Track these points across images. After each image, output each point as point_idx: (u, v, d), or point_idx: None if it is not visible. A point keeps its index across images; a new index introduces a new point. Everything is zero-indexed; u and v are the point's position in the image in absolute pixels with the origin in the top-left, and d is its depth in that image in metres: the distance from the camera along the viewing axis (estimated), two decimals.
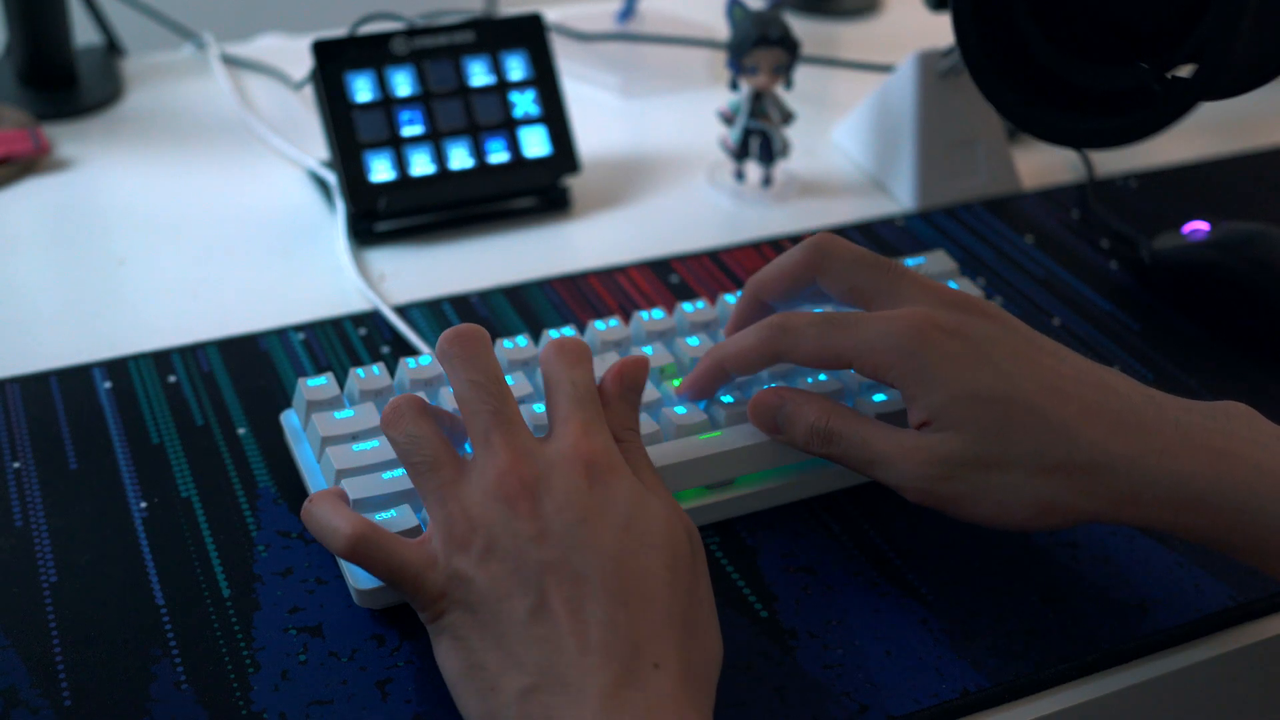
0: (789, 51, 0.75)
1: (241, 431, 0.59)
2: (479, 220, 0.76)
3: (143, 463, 0.57)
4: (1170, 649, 0.51)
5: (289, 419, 0.57)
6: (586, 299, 0.69)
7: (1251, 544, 0.47)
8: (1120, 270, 0.74)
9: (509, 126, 0.75)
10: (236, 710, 0.46)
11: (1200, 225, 0.71)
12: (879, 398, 0.56)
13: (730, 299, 0.61)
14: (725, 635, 0.47)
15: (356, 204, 0.72)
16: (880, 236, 0.76)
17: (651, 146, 0.86)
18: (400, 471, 0.51)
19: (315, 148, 0.81)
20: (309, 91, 0.88)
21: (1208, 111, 0.79)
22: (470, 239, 0.75)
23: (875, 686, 0.48)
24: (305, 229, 0.75)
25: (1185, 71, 0.60)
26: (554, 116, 0.76)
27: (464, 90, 0.74)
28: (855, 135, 0.84)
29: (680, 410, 0.55)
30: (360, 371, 0.55)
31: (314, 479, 0.54)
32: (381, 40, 0.73)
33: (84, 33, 0.91)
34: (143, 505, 0.55)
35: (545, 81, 0.76)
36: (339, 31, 0.81)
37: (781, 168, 0.81)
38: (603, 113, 0.90)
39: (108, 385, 0.61)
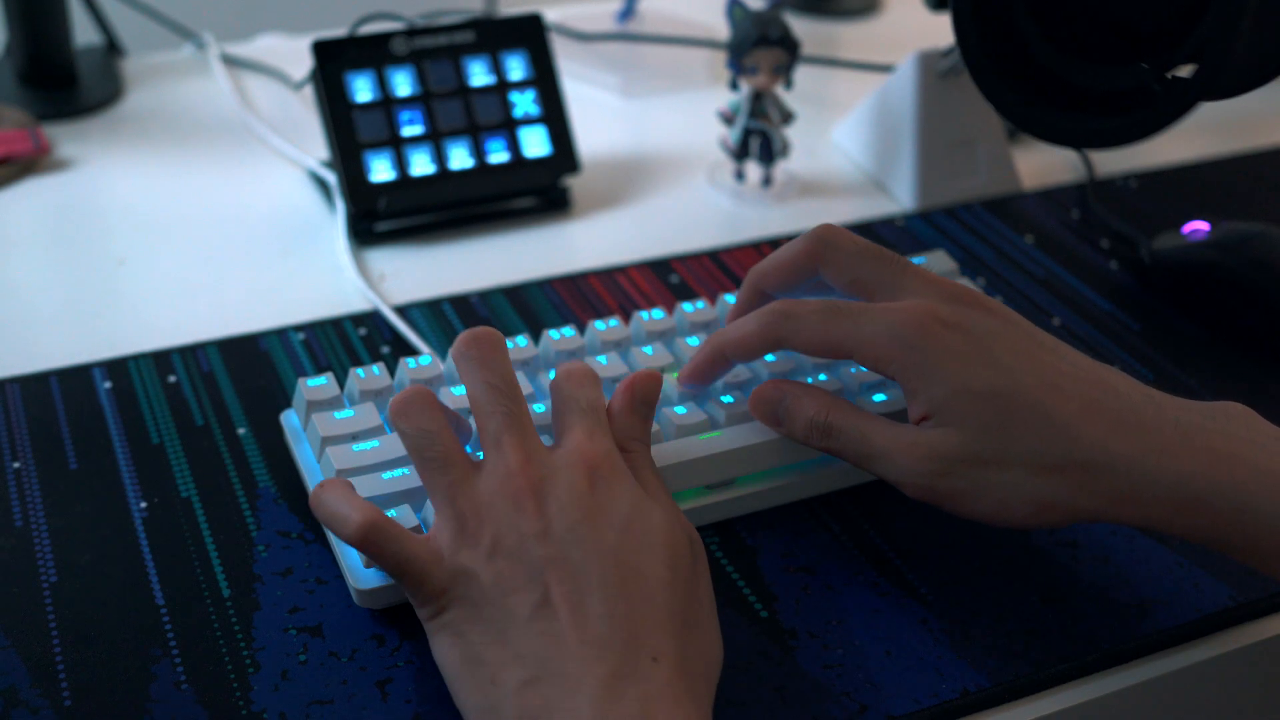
0: (789, 51, 0.75)
1: (241, 431, 0.59)
2: (479, 220, 0.76)
3: (143, 463, 0.57)
4: (1170, 649, 0.51)
5: (289, 419, 0.57)
6: (586, 299, 0.69)
7: (1249, 544, 0.47)
8: (1120, 270, 0.74)
9: (509, 126, 0.75)
10: (236, 710, 0.46)
11: (1200, 225, 0.71)
12: (879, 398, 0.56)
13: (730, 299, 0.61)
14: (725, 635, 0.48)
15: (356, 204, 0.72)
16: (880, 236, 0.76)
17: (651, 146, 0.86)
18: (400, 472, 0.51)
19: (315, 148, 0.81)
20: (309, 91, 0.88)
21: (1208, 111, 0.79)
22: (470, 239, 0.75)
23: (875, 686, 0.48)
24: (305, 229, 0.75)
25: (1185, 71, 0.60)
26: (554, 116, 0.76)
27: (464, 90, 0.74)
28: (855, 135, 0.84)
29: (680, 410, 0.55)
30: (360, 371, 0.55)
31: (314, 479, 0.54)
32: (381, 40, 0.73)
33: (84, 33, 0.91)
34: (143, 505, 0.55)
35: (545, 81, 0.76)
36: (339, 31, 0.81)
37: (781, 168, 0.81)
38: (603, 113, 0.90)
39: (108, 385, 0.61)
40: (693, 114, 0.89)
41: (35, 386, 0.61)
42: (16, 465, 0.56)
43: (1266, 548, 0.46)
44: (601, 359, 0.57)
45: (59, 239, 0.74)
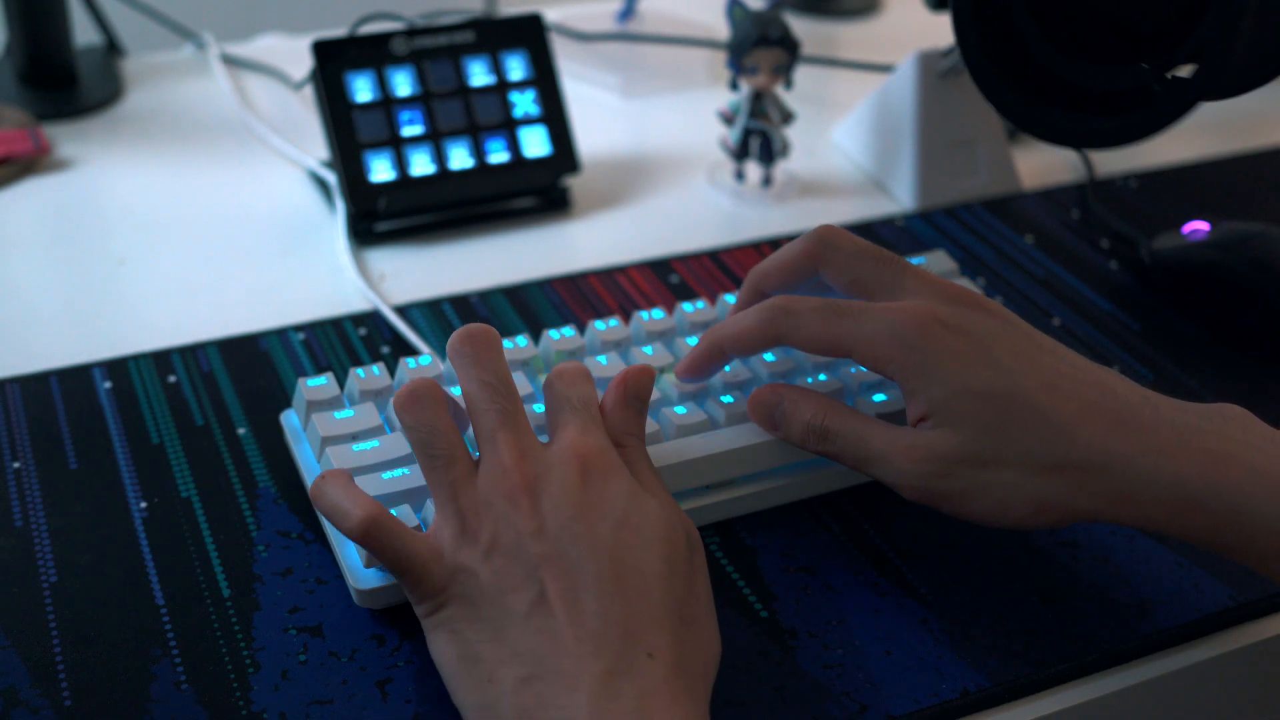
0: (789, 51, 0.75)
1: (241, 431, 0.59)
2: (479, 220, 0.76)
3: (143, 463, 0.57)
4: (1170, 649, 0.51)
5: (289, 419, 0.57)
6: (586, 299, 0.69)
7: (1246, 545, 0.47)
8: (1120, 270, 0.74)
9: (509, 126, 0.75)
10: (236, 710, 0.46)
11: (1200, 225, 0.71)
12: (879, 397, 0.56)
13: (730, 299, 0.61)
14: (725, 635, 0.48)
15: (356, 204, 0.72)
16: (880, 236, 0.76)
17: (651, 146, 0.86)
18: (400, 471, 0.51)
19: (315, 148, 0.81)
20: (309, 91, 0.88)
21: (1208, 111, 0.79)
22: (470, 239, 0.75)
23: (875, 686, 0.48)
24: (305, 229, 0.75)
25: (1185, 71, 0.60)
26: (554, 116, 0.76)
27: (464, 90, 0.74)
28: (855, 135, 0.84)
29: (680, 410, 0.55)
30: (360, 371, 0.55)
31: (314, 479, 0.54)
32: (381, 40, 0.73)
33: (84, 33, 0.91)
34: (143, 505, 0.55)
35: (545, 81, 0.76)
36: (339, 31, 0.81)
37: (781, 168, 0.81)
38: (603, 113, 0.90)
39: (108, 385, 0.61)
40: (693, 114, 0.89)
41: (35, 386, 0.61)
42: (16, 465, 0.56)
43: (1263, 549, 0.47)
44: (601, 359, 0.57)
45: (59, 239, 0.74)
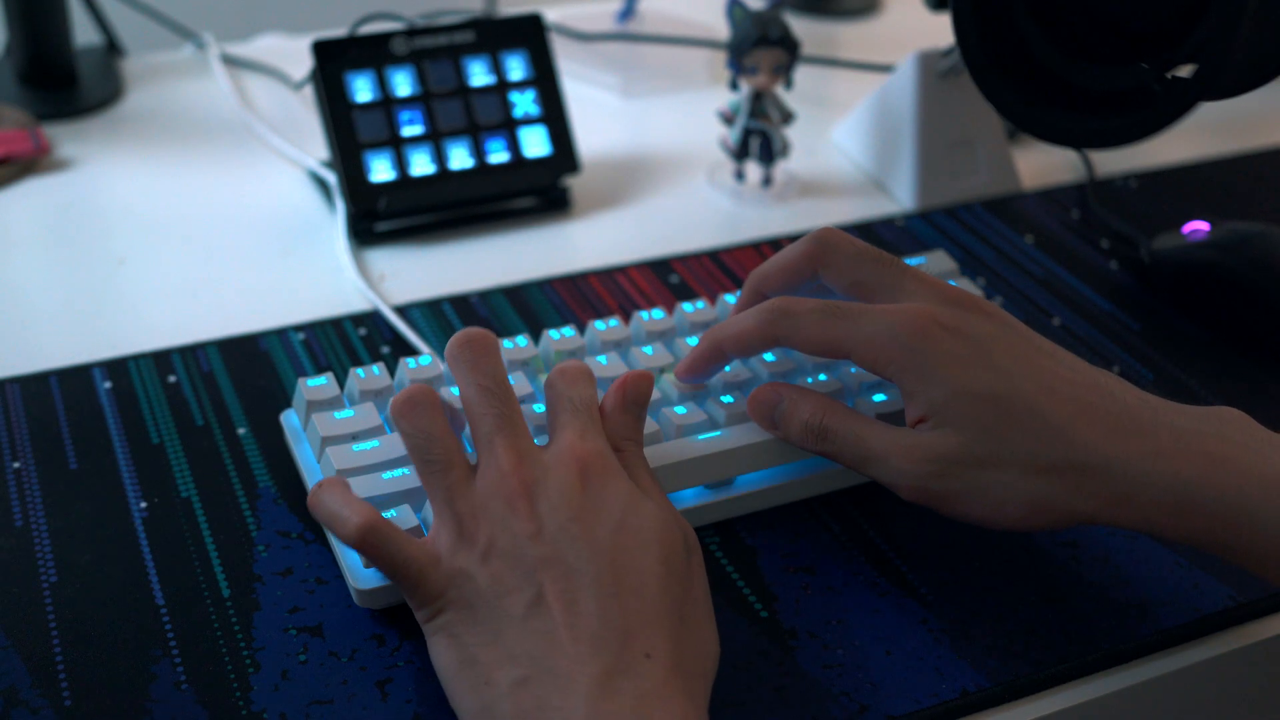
0: (789, 51, 0.75)
1: (241, 431, 0.59)
2: (479, 220, 0.76)
3: (143, 463, 0.57)
4: (1170, 649, 0.51)
5: (289, 419, 0.57)
6: (586, 299, 0.69)
7: (1244, 547, 0.47)
8: (1120, 270, 0.74)
9: (509, 126, 0.75)
10: (236, 710, 0.46)
11: (1200, 225, 0.71)
12: (879, 398, 0.56)
13: (730, 299, 0.61)
14: (725, 635, 0.48)
15: (356, 204, 0.72)
16: (880, 236, 0.76)
17: (651, 146, 0.86)
18: (400, 472, 0.51)
19: (315, 148, 0.81)
20: (309, 91, 0.88)
21: (1208, 111, 0.79)
22: (470, 239, 0.75)
23: (875, 686, 0.48)
24: (305, 229, 0.75)
25: (1185, 71, 0.60)
26: (554, 116, 0.76)
27: (464, 90, 0.74)
28: (855, 135, 0.84)
29: (680, 410, 0.55)
30: (360, 371, 0.55)
31: (314, 479, 0.54)
32: (381, 40, 0.73)
33: (84, 33, 0.91)
34: (143, 505, 0.55)
35: (545, 81, 0.76)
36: (339, 31, 0.81)
37: (781, 168, 0.81)
38: (603, 113, 0.90)
39: (108, 385, 0.61)
40: (693, 114, 0.89)
41: (35, 386, 0.61)
42: (16, 465, 0.56)
43: (1261, 551, 0.47)
44: (601, 359, 0.57)
45: (59, 239, 0.74)
